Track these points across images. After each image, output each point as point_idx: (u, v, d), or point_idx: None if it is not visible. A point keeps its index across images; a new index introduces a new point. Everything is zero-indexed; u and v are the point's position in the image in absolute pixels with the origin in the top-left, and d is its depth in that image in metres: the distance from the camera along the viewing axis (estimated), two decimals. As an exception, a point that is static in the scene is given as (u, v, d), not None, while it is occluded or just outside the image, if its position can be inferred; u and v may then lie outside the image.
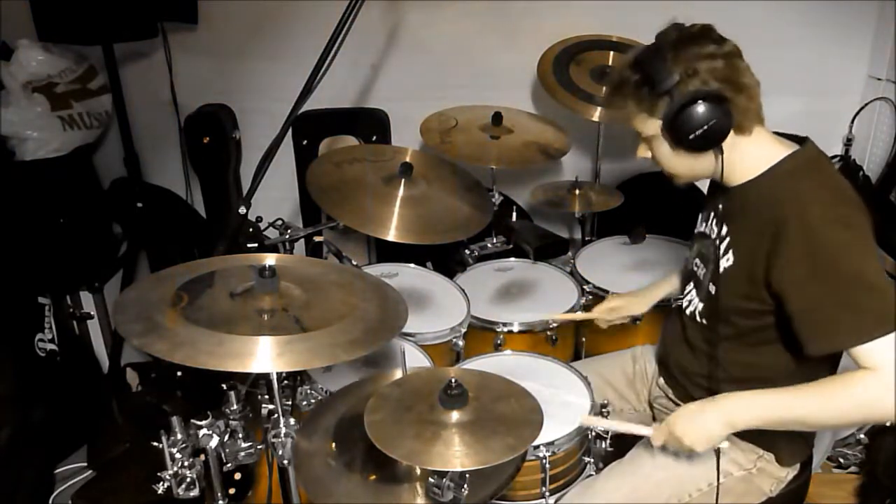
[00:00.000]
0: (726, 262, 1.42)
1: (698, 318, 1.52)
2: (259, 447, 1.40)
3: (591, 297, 2.13)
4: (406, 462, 1.27)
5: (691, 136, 1.31)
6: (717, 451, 1.44)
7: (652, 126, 1.37)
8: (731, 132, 1.33)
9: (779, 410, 1.30)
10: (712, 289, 1.45)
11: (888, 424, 2.11)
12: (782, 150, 1.37)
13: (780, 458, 1.49)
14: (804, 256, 1.25)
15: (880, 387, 1.20)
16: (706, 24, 1.34)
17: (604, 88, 1.37)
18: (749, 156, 1.37)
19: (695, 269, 1.56)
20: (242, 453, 1.38)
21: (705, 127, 1.30)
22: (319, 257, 2.16)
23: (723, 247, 1.43)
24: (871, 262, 1.25)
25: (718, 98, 1.29)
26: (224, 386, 1.40)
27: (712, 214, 1.49)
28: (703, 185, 1.54)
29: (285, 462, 1.34)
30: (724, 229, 1.44)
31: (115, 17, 2.43)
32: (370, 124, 2.84)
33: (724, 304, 1.43)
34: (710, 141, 1.33)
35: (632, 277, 2.19)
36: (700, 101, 1.29)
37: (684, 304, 1.59)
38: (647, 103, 1.34)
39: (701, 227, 1.56)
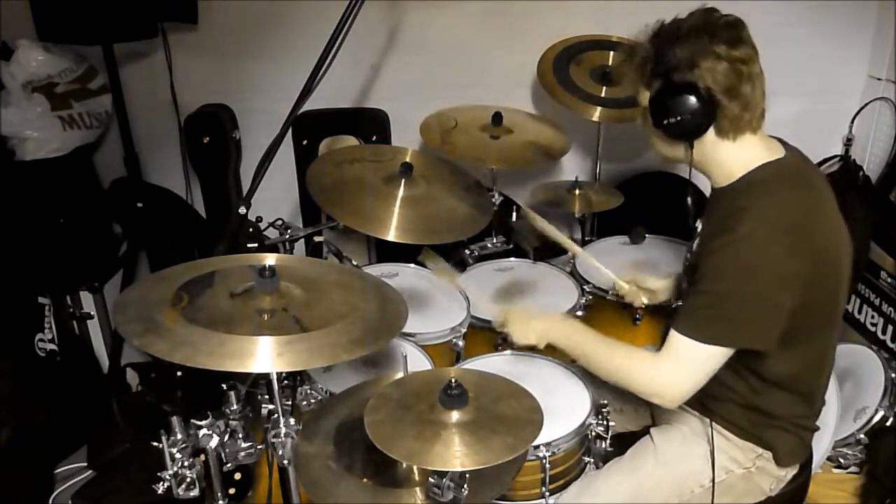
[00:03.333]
0: (692, 259, 1.46)
1: None
2: (259, 447, 1.40)
3: (591, 297, 2.13)
4: (406, 462, 1.27)
5: (665, 122, 1.36)
6: (712, 450, 1.46)
7: (645, 99, 1.41)
8: (713, 133, 1.36)
9: (581, 347, 1.52)
10: (685, 285, 1.49)
11: (888, 424, 2.12)
12: (761, 160, 1.38)
13: (777, 458, 1.49)
14: (710, 253, 1.33)
15: (664, 369, 1.36)
16: (735, 20, 1.33)
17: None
18: (730, 160, 1.39)
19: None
20: (242, 453, 1.38)
21: (679, 118, 1.33)
22: (319, 257, 2.16)
23: (694, 244, 1.48)
24: (758, 288, 1.29)
25: (705, 98, 1.31)
26: (224, 386, 1.40)
27: (705, 211, 1.51)
28: (704, 185, 1.54)
29: (285, 462, 1.34)
30: (700, 227, 1.48)
31: (115, 17, 2.43)
32: (370, 124, 2.83)
33: None
34: (683, 133, 1.36)
35: (632, 277, 2.19)
36: (683, 94, 1.32)
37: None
38: (645, 77, 1.38)
39: (697, 222, 1.57)
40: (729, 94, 1.32)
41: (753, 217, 1.29)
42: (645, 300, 1.89)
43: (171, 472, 1.29)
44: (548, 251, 2.38)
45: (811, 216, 1.34)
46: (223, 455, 1.36)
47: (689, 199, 1.48)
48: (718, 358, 1.34)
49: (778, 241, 1.28)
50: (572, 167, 2.83)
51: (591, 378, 1.74)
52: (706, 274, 1.34)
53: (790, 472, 1.54)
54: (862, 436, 2.11)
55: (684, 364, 1.35)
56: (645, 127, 1.45)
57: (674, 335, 1.35)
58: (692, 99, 1.31)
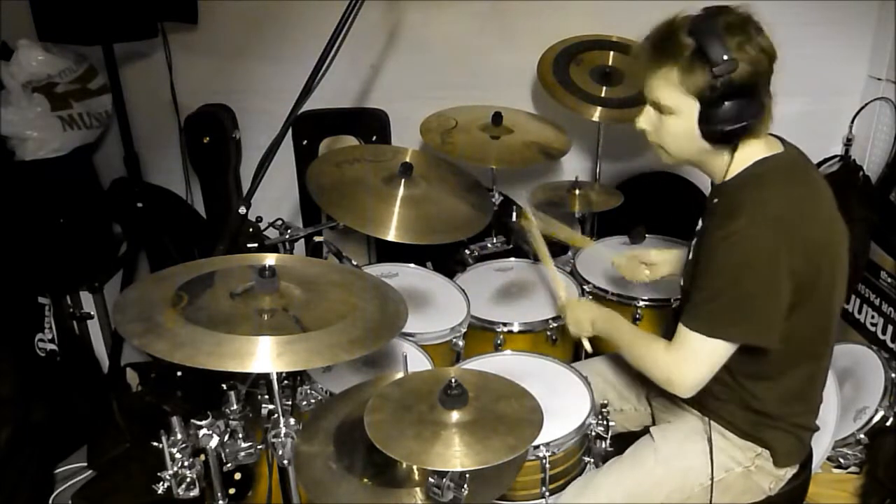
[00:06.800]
0: (691, 256, 1.47)
1: None
2: (259, 447, 1.40)
3: (591, 297, 2.13)
4: (406, 462, 1.27)
5: (727, 129, 1.29)
6: (710, 448, 1.46)
7: (676, 99, 1.31)
8: None
9: (619, 336, 1.60)
10: (683, 283, 1.49)
11: (888, 424, 2.12)
12: (758, 155, 1.38)
13: (775, 458, 1.50)
14: (709, 249, 1.34)
15: (672, 360, 1.40)
16: (750, 15, 1.31)
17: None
18: (730, 159, 1.38)
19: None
20: (242, 453, 1.38)
21: (740, 124, 1.29)
22: (319, 257, 2.16)
23: (694, 241, 1.48)
24: (755, 282, 1.30)
25: (758, 97, 1.30)
26: (224, 386, 1.40)
27: (705, 209, 1.51)
28: (704, 185, 1.54)
29: (285, 462, 1.34)
30: (700, 224, 1.48)
31: (115, 17, 2.42)
32: (370, 124, 2.83)
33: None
34: (735, 139, 1.32)
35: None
36: (747, 96, 1.28)
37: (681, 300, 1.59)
38: (688, 76, 1.27)
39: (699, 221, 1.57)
40: (767, 88, 1.31)
41: (747, 211, 1.30)
42: (647, 273, 1.88)
43: (171, 472, 1.29)
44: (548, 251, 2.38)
45: (805, 210, 1.34)
46: (223, 455, 1.36)
47: (682, 199, 1.48)
48: (723, 351, 1.35)
49: (771, 235, 1.28)
50: (572, 167, 2.82)
51: (591, 378, 1.75)
52: (706, 269, 1.35)
53: (790, 472, 1.54)
54: (862, 436, 2.11)
55: (691, 356, 1.38)
56: (667, 128, 1.36)
57: (681, 328, 1.38)
58: (750, 102, 1.28)
